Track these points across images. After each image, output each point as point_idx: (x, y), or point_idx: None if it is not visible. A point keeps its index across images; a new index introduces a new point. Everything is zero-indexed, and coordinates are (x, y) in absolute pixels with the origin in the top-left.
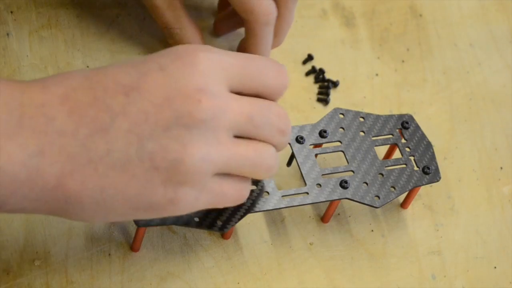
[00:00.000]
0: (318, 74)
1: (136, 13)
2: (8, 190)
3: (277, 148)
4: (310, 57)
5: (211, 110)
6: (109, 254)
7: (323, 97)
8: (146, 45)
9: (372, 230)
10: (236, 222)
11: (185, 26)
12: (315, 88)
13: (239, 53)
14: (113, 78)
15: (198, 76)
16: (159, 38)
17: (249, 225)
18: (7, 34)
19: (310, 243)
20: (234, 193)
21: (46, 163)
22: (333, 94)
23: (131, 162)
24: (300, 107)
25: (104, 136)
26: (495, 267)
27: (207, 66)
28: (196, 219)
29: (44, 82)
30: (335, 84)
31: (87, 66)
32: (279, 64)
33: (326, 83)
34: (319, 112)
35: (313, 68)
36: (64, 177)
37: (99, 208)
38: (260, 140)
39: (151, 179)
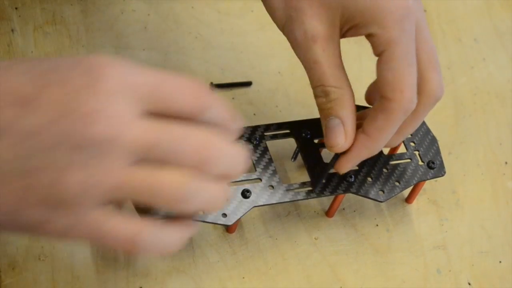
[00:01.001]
0: None
1: (140, 9)
2: None
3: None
4: None
5: (103, 133)
6: (114, 249)
7: None
8: (151, 41)
9: (377, 225)
10: (240, 216)
11: (344, 86)
12: None
13: (155, 70)
14: (10, 86)
15: (99, 96)
16: (163, 33)
17: (254, 220)
18: (12, 30)
19: (315, 238)
20: (121, 235)
21: None
22: None
23: (11, 176)
24: (305, 102)
25: None
26: (500, 262)
27: (113, 85)
28: (201, 212)
29: None
30: None
31: None
32: (199, 83)
33: None
34: None
35: None
36: None
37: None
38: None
39: (27, 197)
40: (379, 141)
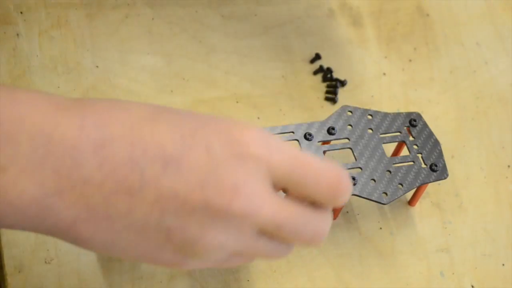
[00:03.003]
0: (326, 73)
1: (145, 13)
2: (13, 220)
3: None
4: (318, 56)
5: (240, 210)
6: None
7: (331, 96)
8: (155, 45)
9: (381, 228)
10: None
11: None
12: (323, 87)
13: (293, 148)
14: (158, 141)
15: (240, 170)
16: (168, 38)
17: None
18: (17, 35)
19: None
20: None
21: (62, 205)
22: (341, 93)
23: (147, 229)
24: (308, 106)
25: (129, 199)
26: (503, 264)
27: (253, 162)
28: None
29: (83, 120)
30: (342, 83)
31: (97, 66)
32: (339, 171)
33: (334, 82)
34: (327, 111)
35: (321, 67)
36: (78, 222)
37: (106, 252)
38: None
39: (163, 247)
40: None
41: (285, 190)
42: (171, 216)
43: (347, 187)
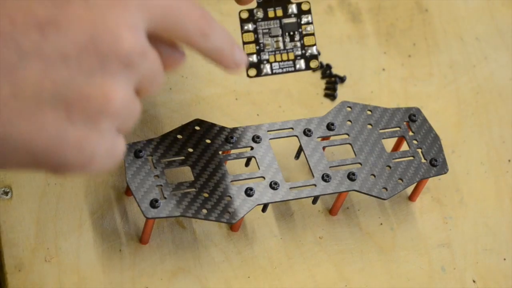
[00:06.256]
0: (325, 70)
1: None
2: None
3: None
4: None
5: (135, 52)
6: (120, 250)
7: (330, 92)
8: None
9: (381, 224)
10: (244, 214)
11: None
12: (322, 83)
13: None
14: (25, 9)
15: (124, 12)
16: None
17: (259, 220)
18: None
19: (319, 237)
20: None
21: None
22: (340, 89)
23: (42, 110)
24: (308, 102)
25: (10, 78)
26: (504, 259)
27: (133, 7)
28: (204, 211)
29: None
30: (342, 79)
31: None
32: (203, 9)
33: (333, 79)
34: (327, 107)
35: (320, 63)
36: None
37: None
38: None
39: (65, 125)
40: None
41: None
42: (66, 83)
43: (212, 19)
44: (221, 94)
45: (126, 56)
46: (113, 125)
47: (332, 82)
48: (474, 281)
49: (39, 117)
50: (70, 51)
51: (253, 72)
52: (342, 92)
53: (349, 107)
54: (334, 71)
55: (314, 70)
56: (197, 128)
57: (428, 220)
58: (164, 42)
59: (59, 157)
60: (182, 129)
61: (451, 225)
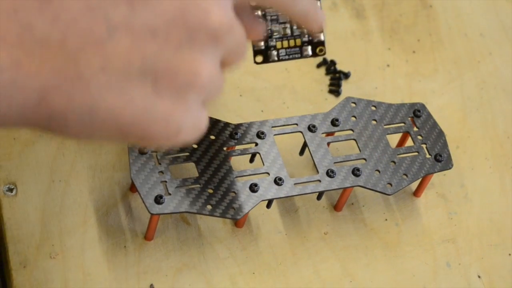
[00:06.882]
0: (329, 66)
1: None
2: None
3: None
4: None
5: (223, 27)
6: (125, 246)
7: (334, 89)
8: None
9: (386, 219)
10: (248, 210)
11: None
12: (326, 79)
13: None
14: None
15: None
16: None
17: (263, 216)
18: None
19: (324, 233)
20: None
21: (24, 76)
22: (345, 85)
23: (130, 83)
24: (312, 99)
25: (99, 51)
26: (509, 254)
27: None
28: (209, 207)
29: None
30: (346, 75)
31: None
32: None
33: (337, 75)
34: (331, 103)
35: (325, 59)
36: (47, 92)
37: (85, 129)
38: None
39: (154, 97)
40: None
41: None
42: (155, 60)
43: None
44: (226, 90)
45: (215, 30)
46: (199, 98)
47: (336, 78)
48: (479, 277)
49: (128, 90)
50: (158, 25)
51: (260, 58)
52: (347, 88)
53: (354, 103)
54: (339, 67)
55: (321, 56)
56: None
57: (433, 216)
58: (247, 13)
59: (147, 129)
60: None
61: (456, 220)
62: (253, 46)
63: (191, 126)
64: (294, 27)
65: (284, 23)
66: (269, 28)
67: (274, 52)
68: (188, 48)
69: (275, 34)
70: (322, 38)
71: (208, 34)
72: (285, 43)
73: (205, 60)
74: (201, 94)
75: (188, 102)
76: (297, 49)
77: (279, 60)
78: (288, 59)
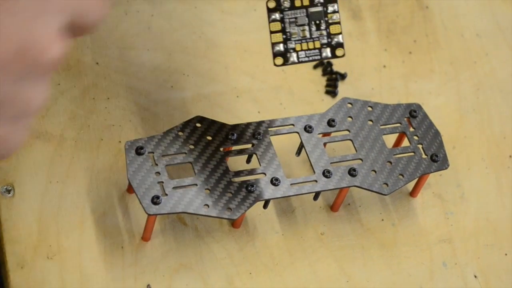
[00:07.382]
0: (326, 67)
1: (144, 9)
2: None
3: None
4: None
5: (58, 56)
6: (122, 247)
7: (331, 89)
8: (155, 41)
9: (383, 219)
10: (245, 210)
11: None
12: (323, 80)
13: None
14: None
15: (47, 19)
16: (167, 33)
17: (260, 217)
18: None
19: (321, 233)
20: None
21: None
22: (341, 86)
23: None
24: (309, 100)
25: None
26: (506, 254)
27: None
28: (206, 207)
29: None
30: (343, 76)
31: (97, 63)
32: None
33: (334, 76)
34: (327, 104)
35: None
36: None
37: None
38: None
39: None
40: None
41: None
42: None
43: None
44: (222, 91)
45: (52, 62)
46: (29, 121)
47: (333, 79)
48: (475, 277)
49: None
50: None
51: (279, 61)
52: (343, 89)
53: (350, 103)
54: (335, 68)
55: (340, 58)
56: (198, 125)
57: (429, 216)
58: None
59: None
60: (183, 126)
61: (452, 220)
62: (273, 49)
63: (20, 145)
64: (313, 29)
65: (303, 25)
66: (288, 30)
67: (294, 54)
68: (26, 80)
69: (293, 36)
70: (341, 40)
71: (45, 67)
72: (304, 45)
73: (39, 89)
74: (32, 118)
75: (23, 126)
76: (316, 51)
77: (298, 62)
78: (308, 61)
